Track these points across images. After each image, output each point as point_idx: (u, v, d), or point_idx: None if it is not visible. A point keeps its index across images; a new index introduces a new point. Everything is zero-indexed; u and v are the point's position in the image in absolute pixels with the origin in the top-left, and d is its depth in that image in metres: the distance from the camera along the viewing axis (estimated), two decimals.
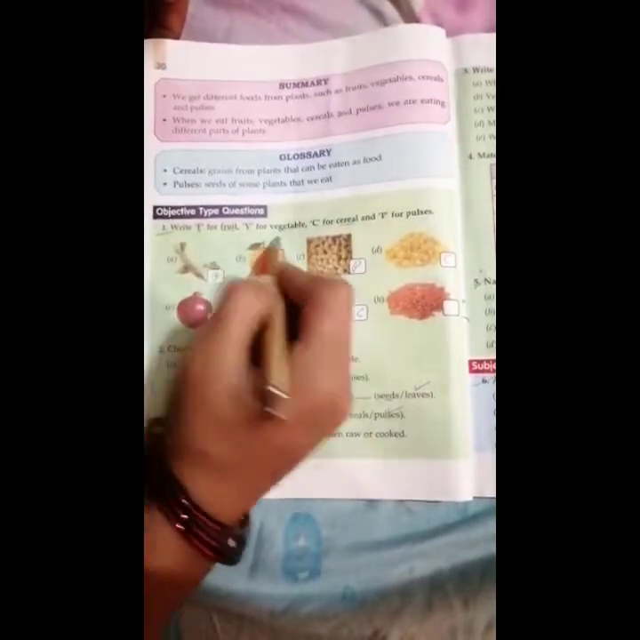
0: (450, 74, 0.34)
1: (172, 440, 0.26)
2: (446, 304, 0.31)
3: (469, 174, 0.33)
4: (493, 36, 0.34)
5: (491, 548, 0.30)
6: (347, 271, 0.32)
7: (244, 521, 0.28)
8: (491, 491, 0.30)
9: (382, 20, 0.36)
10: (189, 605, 0.29)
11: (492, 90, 0.34)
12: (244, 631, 0.29)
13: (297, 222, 0.33)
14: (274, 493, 0.27)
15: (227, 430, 0.25)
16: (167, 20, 0.34)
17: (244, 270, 0.33)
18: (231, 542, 0.26)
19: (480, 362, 0.31)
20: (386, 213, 0.32)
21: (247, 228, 0.33)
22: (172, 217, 0.33)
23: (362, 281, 0.32)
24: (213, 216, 0.33)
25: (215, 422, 0.25)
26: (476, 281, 0.32)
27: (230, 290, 0.27)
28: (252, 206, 0.33)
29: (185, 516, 0.24)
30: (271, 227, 0.33)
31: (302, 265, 0.32)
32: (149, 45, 0.34)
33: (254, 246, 0.33)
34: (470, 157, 0.33)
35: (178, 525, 0.24)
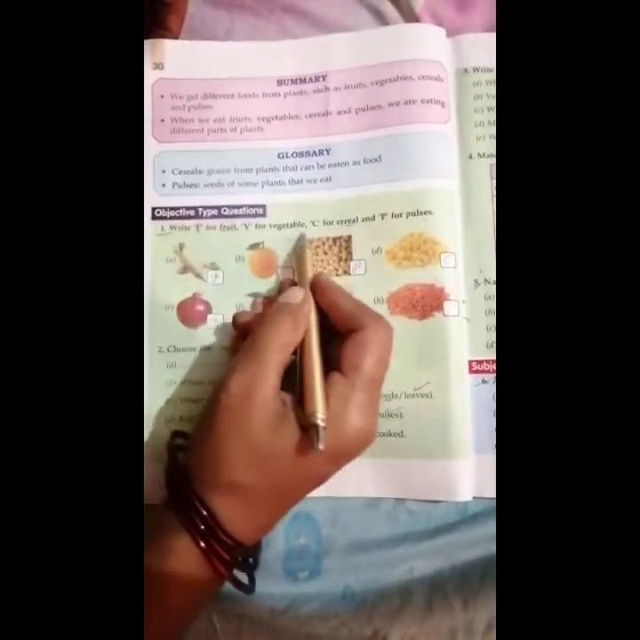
0: (450, 74, 0.34)
1: (199, 465, 0.26)
2: (446, 304, 0.31)
3: (469, 174, 0.33)
4: (493, 35, 0.34)
5: (491, 548, 0.30)
6: (347, 272, 0.32)
7: (257, 543, 0.28)
8: (490, 491, 0.30)
9: (382, 19, 0.36)
10: None
11: (492, 90, 0.34)
12: (244, 631, 0.29)
13: (297, 222, 0.33)
14: None
15: (261, 462, 0.25)
16: (166, 21, 0.34)
17: (243, 270, 0.33)
18: (242, 560, 0.26)
19: (480, 362, 0.31)
20: (386, 214, 0.32)
21: (246, 228, 0.33)
22: (171, 218, 0.33)
23: (362, 282, 0.32)
24: (212, 216, 0.33)
25: (251, 455, 0.25)
26: (475, 281, 0.32)
27: (268, 316, 0.27)
28: (250, 206, 0.33)
29: (203, 528, 0.24)
30: (270, 226, 0.33)
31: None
32: (147, 46, 0.34)
33: (253, 246, 0.33)
34: (470, 157, 0.33)
35: (195, 536, 0.24)
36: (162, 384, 0.32)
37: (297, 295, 0.28)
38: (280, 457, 0.25)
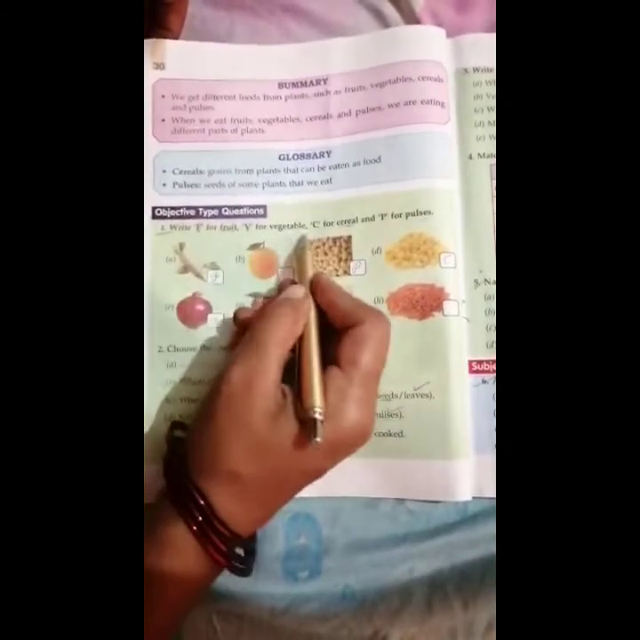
0: (450, 74, 0.34)
1: (197, 454, 0.26)
2: (446, 304, 0.31)
3: (469, 174, 0.33)
4: (493, 36, 0.34)
5: (491, 548, 0.30)
6: (347, 273, 0.32)
7: (253, 534, 0.28)
8: (490, 491, 0.30)
9: (382, 20, 0.36)
10: None
11: (492, 90, 0.34)
12: (244, 631, 0.29)
13: (297, 223, 0.33)
14: None
15: (260, 453, 0.25)
16: (167, 21, 0.34)
17: (243, 270, 0.33)
18: (239, 551, 0.26)
19: (480, 362, 0.31)
20: (385, 214, 0.32)
21: (247, 228, 0.33)
22: (171, 217, 0.33)
23: (362, 282, 0.32)
24: (213, 216, 0.33)
25: (250, 445, 0.25)
26: (475, 281, 0.32)
27: (269, 309, 0.27)
28: (251, 206, 0.33)
29: (200, 518, 0.24)
30: (271, 227, 0.33)
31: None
32: (148, 46, 0.34)
33: (254, 247, 0.33)
34: (470, 158, 0.33)
35: (192, 526, 0.24)
36: (161, 384, 0.32)
37: (298, 291, 0.29)
38: (278, 448, 0.25)
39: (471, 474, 0.30)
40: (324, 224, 0.33)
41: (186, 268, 0.33)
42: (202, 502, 0.25)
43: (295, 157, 0.34)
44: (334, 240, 0.33)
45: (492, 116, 0.33)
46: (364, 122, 0.34)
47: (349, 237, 0.32)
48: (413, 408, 0.30)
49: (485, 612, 0.28)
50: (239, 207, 0.33)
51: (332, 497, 0.31)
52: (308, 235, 0.33)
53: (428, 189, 0.32)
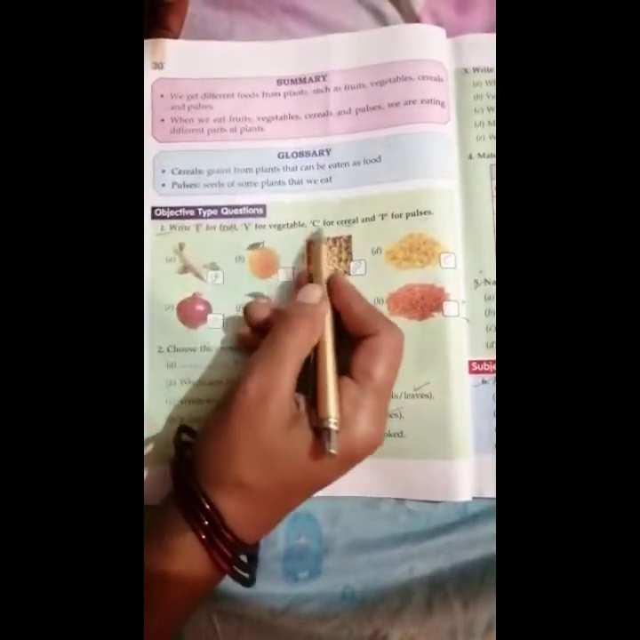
0: (450, 74, 0.34)
1: (207, 461, 0.26)
2: (446, 305, 0.31)
3: (469, 174, 0.33)
4: (493, 36, 0.34)
5: (491, 548, 0.30)
6: (347, 272, 0.32)
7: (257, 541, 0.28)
8: (490, 491, 0.30)
9: (382, 20, 0.36)
10: None
11: (492, 90, 0.34)
12: (244, 631, 0.29)
13: (297, 222, 0.33)
14: None
15: (271, 464, 0.25)
16: (166, 21, 0.34)
17: (243, 270, 0.33)
18: (243, 557, 0.26)
19: (480, 362, 0.31)
20: (386, 214, 0.32)
21: (246, 228, 0.33)
22: (171, 217, 0.33)
23: (362, 282, 0.31)
24: (212, 216, 0.33)
25: (262, 456, 0.25)
26: (475, 282, 0.32)
27: (287, 319, 0.27)
28: (251, 206, 0.33)
29: (206, 522, 0.24)
30: (270, 226, 0.33)
31: (302, 266, 0.32)
32: (147, 45, 0.34)
33: (253, 246, 0.33)
34: (470, 157, 0.33)
35: (198, 530, 0.24)
36: (161, 384, 0.32)
37: (314, 294, 0.29)
38: (290, 459, 0.25)
39: (471, 474, 0.30)
40: (324, 223, 0.33)
41: (186, 269, 0.33)
42: (208, 507, 0.24)
43: (294, 155, 0.34)
44: (334, 240, 0.33)
45: (492, 116, 0.33)
46: (363, 120, 0.34)
47: (349, 237, 0.32)
48: (413, 408, 0.30)
49: (485, 611, 0.28)
50: (239, 207, 0.33)
51: (332, 497, 0.30)
52: (308, 235, 0.33)
53: (428, 189, 0.32)
